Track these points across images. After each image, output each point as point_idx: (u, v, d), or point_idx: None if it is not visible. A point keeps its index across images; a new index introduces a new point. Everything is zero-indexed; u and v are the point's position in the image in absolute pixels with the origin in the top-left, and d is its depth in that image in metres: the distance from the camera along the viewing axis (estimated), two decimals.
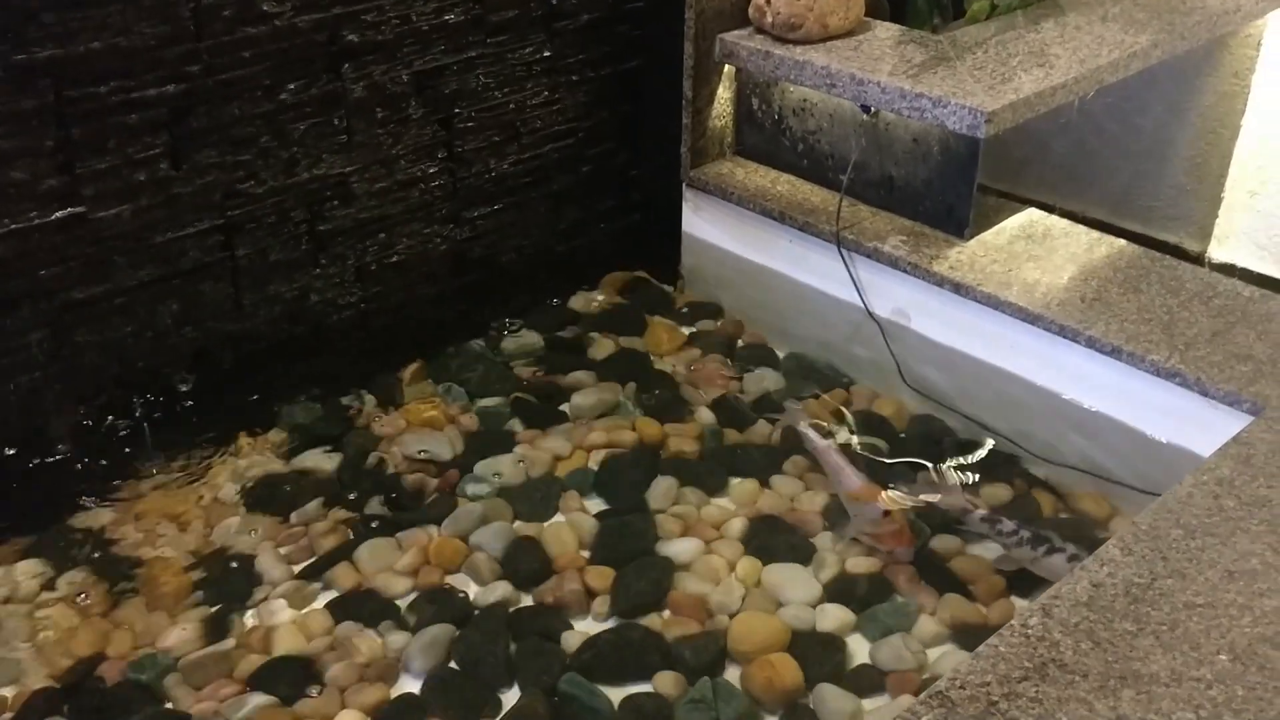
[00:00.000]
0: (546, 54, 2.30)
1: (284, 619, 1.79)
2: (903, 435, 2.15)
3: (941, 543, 1.90)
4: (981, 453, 2.08)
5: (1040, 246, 2.20)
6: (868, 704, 1.66)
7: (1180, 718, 1.28)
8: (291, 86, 1.99)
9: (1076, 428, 2.03)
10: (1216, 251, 2.95)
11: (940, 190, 2.21)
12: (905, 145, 2.24)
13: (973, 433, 2.11)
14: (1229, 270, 2.92)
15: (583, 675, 1.69)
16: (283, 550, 1.90)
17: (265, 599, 1.82)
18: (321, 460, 2.08)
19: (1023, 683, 1.32)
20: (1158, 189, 2.89)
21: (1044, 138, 2.74)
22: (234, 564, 1.88)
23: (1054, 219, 2.30)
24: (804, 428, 2.07)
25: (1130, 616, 1.41)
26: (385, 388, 2.24)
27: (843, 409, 2.19)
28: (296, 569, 1.88)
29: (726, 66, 2.42)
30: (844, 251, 2.23)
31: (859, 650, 1.75)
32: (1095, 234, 2.25)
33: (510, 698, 1.67)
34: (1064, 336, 1.97)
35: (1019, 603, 1.80)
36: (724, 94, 2.45)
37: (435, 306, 2.33)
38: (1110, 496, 1.97)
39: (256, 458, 2.07)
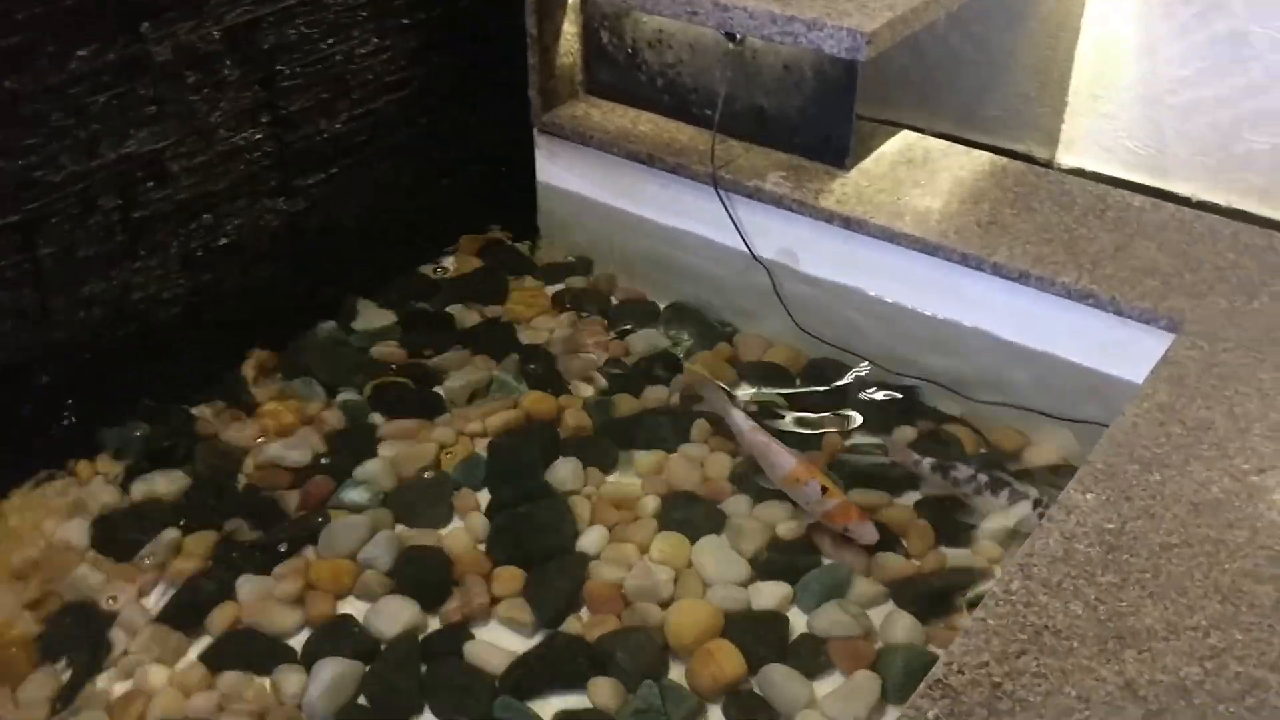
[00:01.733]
0: None
1: (154, 677, 1.54)
2: (799, 383, 2.03)
3: (864, 497, 1.80)
4: (888, 393, 1.98)
5: (922, 171, 2.10)
6: (818, 685, 1.55)
7: (1187, 673, 1.21)
8: (82, 53, 1.68)
9: (987, 359, 1.95)
10: (1064, 157, 2.94)
11: (817, 119, 2.08)
12: (776, 73, 2.09)
13: (876, 374, 2.01)
14: (1078, 175, 2.92)
15: (513, 696, 1.52)
16: (138, 594, 1.65)
17: (125, 655, 1.57)
18: (169, 482, 1.81)
19: (1021, 657, 1.22)
20: (1002, 99, 2.84)
21: (883, 53, 2.64)
22: (81, 618, 1.61)
23: (930, 141, 2.21)
24: (724, 406, 1.89)
25: (1111, 567, 1.32)
26: (231, 389, 1.98)
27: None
28: (158, 614, 1.62)
29: None
30: (722, 192, 2.08)
31: (799, 622, 1.62)
32: (975, 153, 2.17)
33: None
34: (967, 265, 1.88)
35: (952, 551, 1.72)
36: (570, 29, 2.24)
37: (275, 290, 2.06)
38: (1028, 427, 1.89)
39: (91, 488, 1.79)
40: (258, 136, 1.95)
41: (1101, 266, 1.83)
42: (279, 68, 1.94)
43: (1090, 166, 2.91)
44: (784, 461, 1.74)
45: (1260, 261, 1.84)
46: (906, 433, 1.91)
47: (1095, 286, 1.79)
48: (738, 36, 2.06)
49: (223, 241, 1.96)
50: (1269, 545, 1.35)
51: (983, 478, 1.76)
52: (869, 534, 1.67)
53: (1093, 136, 2.90)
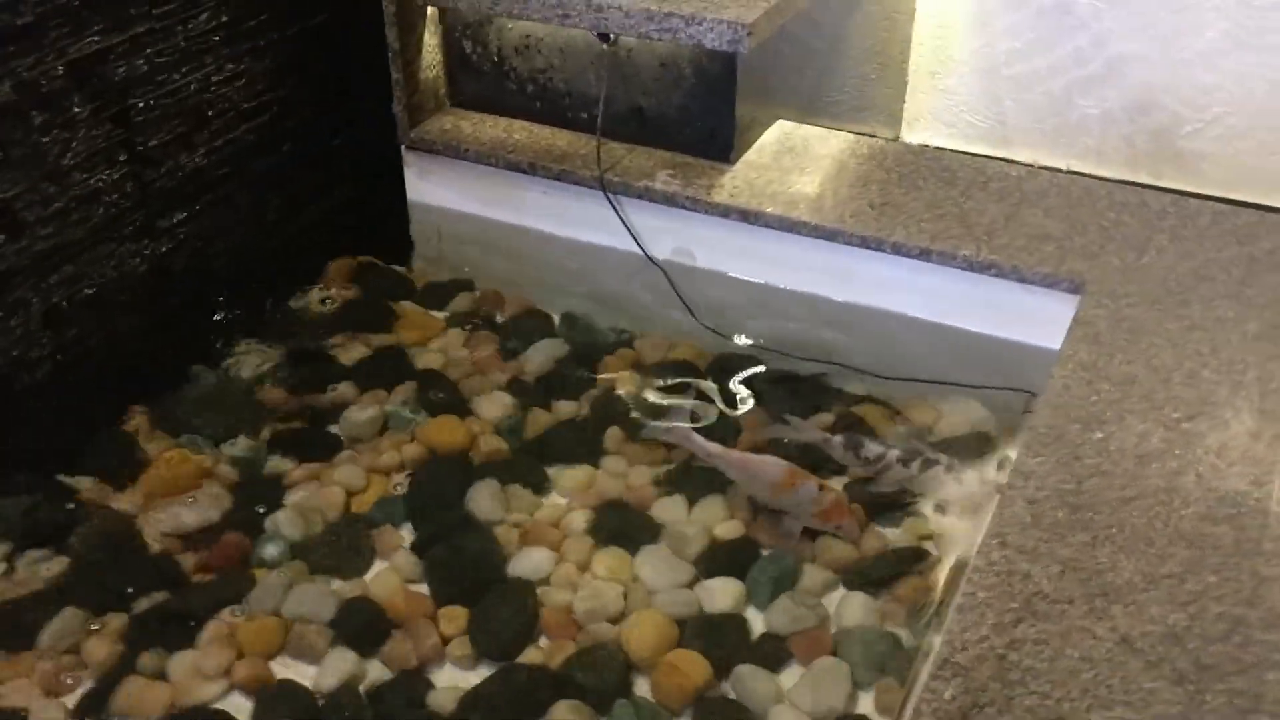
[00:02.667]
0: (223, 19, 1.90)
1: None
2: (708, 379, 2.01)
3: None
4: (796, 380, 1.98)
5: (805, 158, 2.10)
6: (783, 679, 1.53)
7: (1174, 621, 1.24)
8: None
9: (894, 338, 1.96)
10: (908, 135, 3.01)
11: (698, 115, 2.06)
12: (653, 72, 2.06)
13: (784, 362, 2.00)
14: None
15: None
16: (50, 689, 1.49)
17: None
18: (59, 562, 1.65)
19: (1019, 626, 1.23)
20: (843, 82, 2.89)
21: None
22: None
23: (804, 128, 2.23)
24: (684, 434, 1.80)
25: (1078, 527, 1.35)
26: (113, 452, 1.82)
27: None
28: (75, 707, 1.48)
29: (430, 9, 2.12)
30: (610, 196, 2.03)
31: (754, 619, 1.60)
32: (850, 136, 2.19)
33: None
34: (867, 247, 1.89)
35: (885, 529, 1.73)
36: (431, 40, 2.16)
37: (146, 339, 1.91)
38: (938, 399, 1.92)
39: None
40: (115, 177, 1.80)
41: (997, 237, 1.87)
42: (132, 101, 1.80)
43: (934, 142, 2.99)
44: (769, 471, 1.68)
45: (1139, 218, 1.92)
46: (821, 418, 1.91)
47: (995, 256, 1.82)
48: (611, 37, 2.02)
49: (86, 293, 1.80)
50: (1215, 488, 1.40)
51: (894, 452, 1.77)
52: (855, 530, 1.66)
53: (935, 113, 2.98)
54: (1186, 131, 2.62)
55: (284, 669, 1.54)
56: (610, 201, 2.03)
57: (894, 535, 1.71)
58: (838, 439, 1.79)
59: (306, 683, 1.51)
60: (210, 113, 1.93)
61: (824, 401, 1.94)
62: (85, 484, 1.77)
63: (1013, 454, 1.72)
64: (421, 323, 2.13)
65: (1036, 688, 1.16)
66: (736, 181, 2.02)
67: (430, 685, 1.52)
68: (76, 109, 1.71)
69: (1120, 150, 2.74)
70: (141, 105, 1.81)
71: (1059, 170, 2.51)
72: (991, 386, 1.87)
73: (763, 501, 1.71)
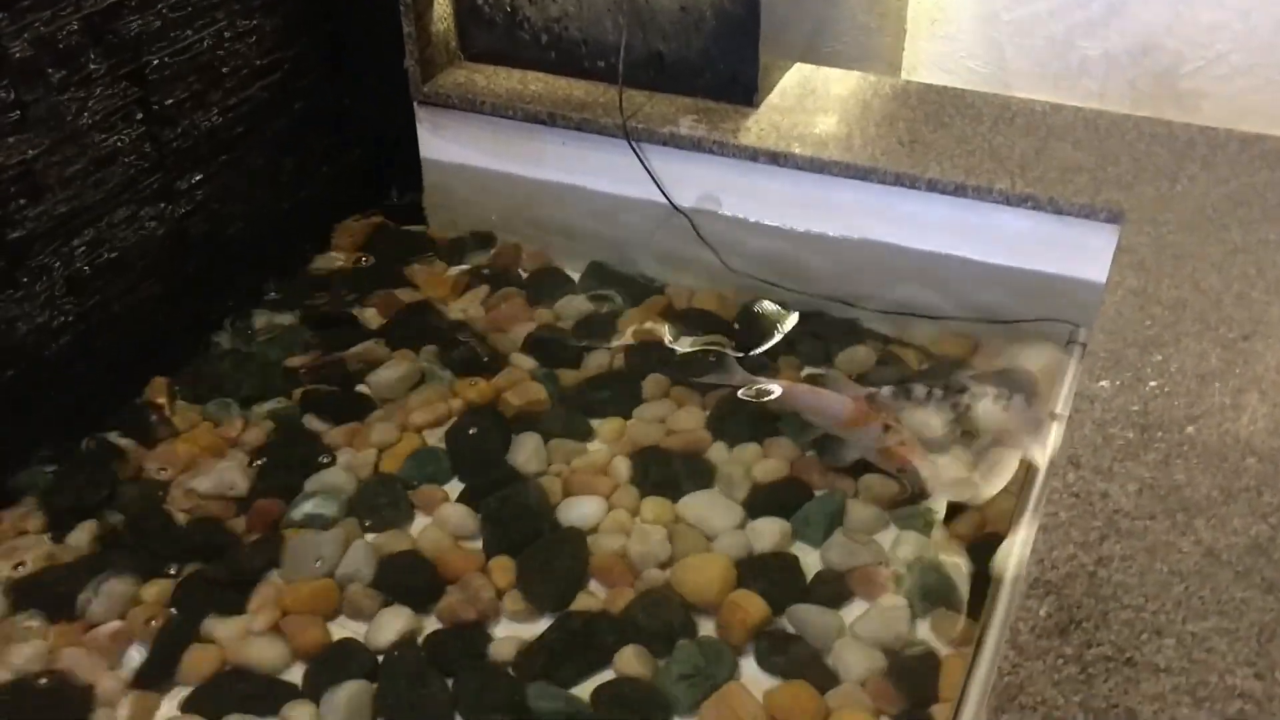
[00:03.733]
0: None
1: None
2: (737, 326, 1.98)
3: None
4: (829, 323, 1.96)
5: (828, 99, 2.08)
6: (843, 613, 1.52)
7: (1258, 532, 1.23)
8: None
9: (928, 275, 1.95)
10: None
11: (720, 59, 2.03)
12: (672, 16, 2.02)
13: (814, 306, 1.98)
14: None
15: (545, 682, 1.43)
16: (100, 656, 1.46)
17: None
18: (99, 529, 1.61)
19: (1104, 543, 1.22)
20: (841, 32, 2.86)
21: None
22: (43, 694, 1.41)
23: (824, 70, 2.20)
24: (743, 376, 1.81)
25: (1150, 446, 1.34)
26: (140, 419, 1.78)
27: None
28: (129, 675, 1.44)
29: None
30: (635, 144, 2.00)
31: (809, 559, 1.59)
32: (871, 77, 2.17)
33: None
34: (901, 185, 1.87)
35: (937, 464, 1.71)
36: None
37: (167, 304, 1.87)
38: (975, 334, 1.90)
39: (14, 549, 1.57)
40: (133, 137, 1.74)
41: (1030, 170, 1.86)
42: (147, 58, 1.74)
43: None
44: (838, 408, 1.69)
45: (1169, 148, 1.91)
46: (859, 359, 1.89)
47: (1031, 189, 1.81)
48: None
49: (108, 256, 1.75)
50: None
51: (938, 391, 1.76)
52: (919, 474, 1.64)
53: (935, 60, 2.96)
54: (1188, 70, 2.62)
55: (338, 629, 1.51)
56: (634, 149, 2.00)
57: (945, 470, 1.70)
58: (886, 390, 1.76)
59: (362, 639, 1.48)
60: (223, 70, 1.88)
61: (859, 343, 1.92)
62: (116, 450, 1.73)
63: (1062, 383, 1.72)
64: (441, 280, 2.09)
65: (1130, 601, 1.15)
66: (762, 124, 1.99)
67: (486, 636, 1.50)
68: (93, 66, 1.66)
69: (1124, 93, 2.73)
70: (156, 62, 1.75)
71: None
72: (1033, 319, 1.86)
73: (832, 433, 1.70)
